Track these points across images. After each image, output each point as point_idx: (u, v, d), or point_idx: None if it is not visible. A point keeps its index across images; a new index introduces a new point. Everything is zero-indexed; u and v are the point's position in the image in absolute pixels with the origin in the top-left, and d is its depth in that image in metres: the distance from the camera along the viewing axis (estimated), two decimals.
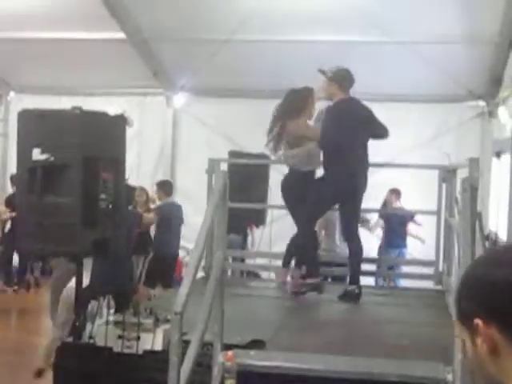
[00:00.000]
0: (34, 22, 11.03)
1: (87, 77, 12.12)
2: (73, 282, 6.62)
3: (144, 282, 9.93)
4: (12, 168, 12.59)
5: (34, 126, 4.52)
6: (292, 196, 7.11)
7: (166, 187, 10.76)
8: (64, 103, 12.02)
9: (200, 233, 4.57)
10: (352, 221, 7.06)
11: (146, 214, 9.98)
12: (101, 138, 4.55)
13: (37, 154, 4.50)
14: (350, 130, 6.70)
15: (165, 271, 10.08)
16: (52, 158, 4.46)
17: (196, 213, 11.07)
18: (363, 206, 7.17)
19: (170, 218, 10.33)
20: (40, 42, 11.43)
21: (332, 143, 6.73)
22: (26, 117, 4.59)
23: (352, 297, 6.72)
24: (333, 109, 6.92)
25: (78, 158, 4.46)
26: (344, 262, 8.93)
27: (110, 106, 11.63)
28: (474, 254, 4.35)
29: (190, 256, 4.37)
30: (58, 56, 11.65)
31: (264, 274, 9.42)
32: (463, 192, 4.46)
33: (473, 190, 4.60)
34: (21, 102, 12.78)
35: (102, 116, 4.70)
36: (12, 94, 13.33)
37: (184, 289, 4.18)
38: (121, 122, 4.75)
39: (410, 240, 10.74)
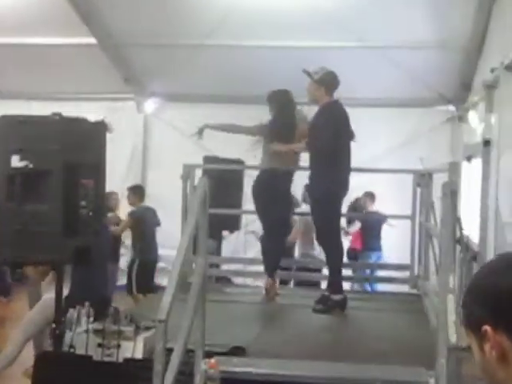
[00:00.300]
0: (4, 27, 10.91)
1: (58, 82, 12.01)
2: (50, 293, 6.57)
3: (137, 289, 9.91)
4: None
5: (13, 132, 4.46)
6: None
7: (138, 192, 10.70)
8: (34, 108, 11.97)
9: (182, 239, 4.54)
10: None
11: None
12: (81, 145, 4.50)
13: (16, 161, 4.44)
14: (342, 134, 6.66)
15: (147, 277, 10.08)
16: (32, 165, 4.41)
17: (168, 218, 11.05)
18: None
19: (146, 223, 10.29)
20: (10, 47, 11.31)
21: (327, 147, 6.58)
22: (4, 123, 4.52)
23: (340, 306, 6.63)
24: (324, 112, 6.75)
25: (59, 165, 4.41)
26: (320, 267, 8.99)
27: (81, 111, 11.59)
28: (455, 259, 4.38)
29: (173, 263, 4.33)
30: (29, 61, 11.54)
31: (237, 280, 9.40)
32: (444, 197, 4.48)
33: (453, 194, 4.63)
34: None
35: (82, 122, 4.65)
36: None
37: (167, 296, 4.14)
38: (101, 128, 4.71)
39: (384, 243, 10.81)
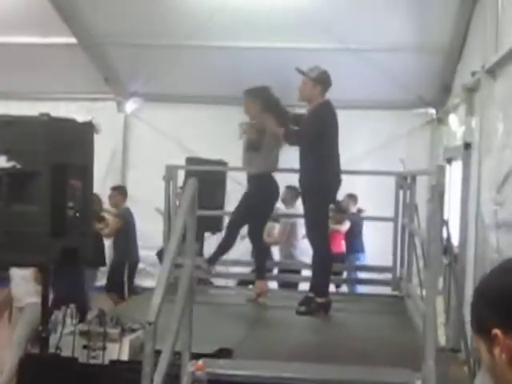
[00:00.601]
0: None
1: (37, 82, 11.92)
2: (32, 298, 6.52)
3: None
4: None
5: (0, 132, 4.41)
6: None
7: (123, 192, 10.68)
8: (12, 108, 11.87)
9: (171, 241, 4.53)
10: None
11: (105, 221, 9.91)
12: (69, 145, 4.46)
13: (2, 162, 4.40)
14: (334, 132, 6.66)
15: (130, 278, 10.08)
16: (19, 166, 4.37)
17: (148, 219, 11.02)
18: None
19: (131, 224, 10.29)
20: None
21: (327, 147, 6.59)
22: None
23: (324, 309, 6.60)
24: (319, 110, 6.68)
25: (46, 166, 4.37)
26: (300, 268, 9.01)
27: (60, 111, 11.53)
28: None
29: (162, 264, 4.32)
30: (8, 60, 11.42)
31: (219, 282, 9.37)
32: (432, 199, 4.51)
33: (440, 197, 4.66)
34: None
35: (70, 123, 4.62)
36: None
37: (157, 298, 4.13)
38: (89, 129, 4.67)
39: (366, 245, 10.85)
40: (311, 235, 6.82)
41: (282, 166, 7.26)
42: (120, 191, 10.63)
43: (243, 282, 9.02)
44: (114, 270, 10.15)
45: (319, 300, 6.57)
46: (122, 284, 9.94)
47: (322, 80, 6.70)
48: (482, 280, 1.77)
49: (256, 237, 7.26)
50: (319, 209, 6.64)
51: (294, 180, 7.59)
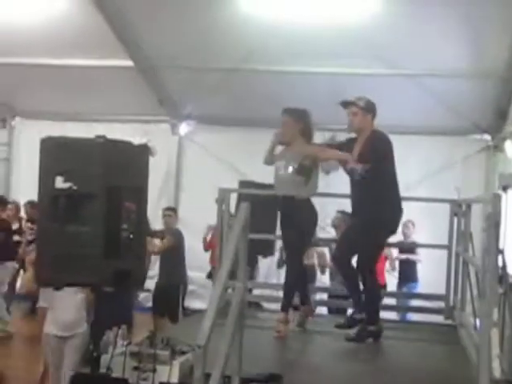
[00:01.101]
0: (41, 48, 11.07)
1: (93, 103, 12.14)
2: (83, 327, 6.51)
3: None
4: (15, 193, 12.62)
5: (57, 153, 4.47)
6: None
7: (176, 213, 10.76)
8: (69, 130, 12.11)
9: (224, 264, 4.53)
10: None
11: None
12: (124, 168, 4.51)
13: (60, 182, 4.46)
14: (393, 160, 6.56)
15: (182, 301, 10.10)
16: (75, 187, 4.43)
17: (198, 241, 11.08)
18: None
19: (182, 245, 10.36)
20: (47, 67, 11.48)
21: (391, 174, 6.52)
22: (49, 144, 4.54)
23: (374, 336, 6.53)
24: (380, 137, 6.52)
25: (102, 188, 4.42)
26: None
27: (115, 133, 11.68)
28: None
29: (213, 287, 4.32)
30: (65, 82, 11.69)
31: (270, 306, 9.33)
32: (488, 228, 4.44)
33: (496, 225, 4.58)
34: (25, 127, 12.82)
35: (125, 145, 4.66)
36: (17, 119, 13.31)
37: (207, 321, 4.12)
38: (144, 151, 4.72)
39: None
40: (364, 265, 6.66)
41: None
42: (174, 212, 10.70)
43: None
44: (163, 291, 10.13)
45: (371, 328, 6.49)
46: (175, 306, 9.90)
47: (372, 108, 6.60)
48: None
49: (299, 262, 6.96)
50: (379, 240, 6.67)
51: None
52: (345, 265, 6.61)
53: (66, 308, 6.53)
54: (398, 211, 6.64)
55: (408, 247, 10.57)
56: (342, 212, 9.92)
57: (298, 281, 6.87)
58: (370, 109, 6.55)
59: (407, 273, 10.49)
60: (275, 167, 6.91)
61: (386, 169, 6.44)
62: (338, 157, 6.62)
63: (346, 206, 7.28)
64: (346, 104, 6.57)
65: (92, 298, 5.91)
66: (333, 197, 8.20)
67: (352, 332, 6.49)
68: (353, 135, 6.74)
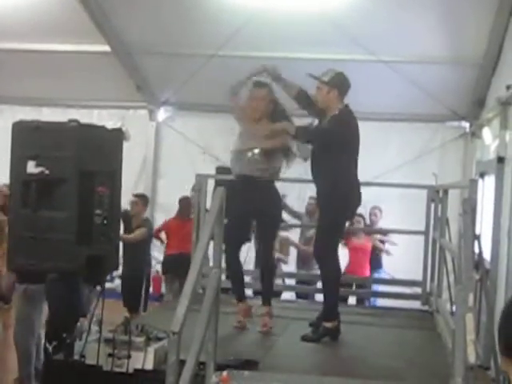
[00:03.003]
0: (18, 33, 10.95)
1: (70, 89, 12.02)
2: None
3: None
4: None
5: (29, 138, 4.42)
6: None
7: (146, 200, 10.52)
8: (45, 115, 11.99)
9: (198, 250, 4.50)
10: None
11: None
12: (97, 152, 4.46)
13: (32, 167, 4.40)
14: (358, 146, 6.07)
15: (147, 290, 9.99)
16: (47, 172, 4.36)
17: None
18: None
19: (151, 235, 10.23)
20: (23, 52, 11.36)
21: (348, 157, 5.98)
22: (21, 128, 4.49)
23: (331, 335, 6.00)
24: (344, 118, 5.98)
25: (74, 172, 4.37)
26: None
27: (92, 119, 11.61)
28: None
29: (189, 273, 4.28)
30: (41, 67, 11.57)
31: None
32: (464, 214, 4.43)
33: (473, 211, 4.58)
34: (0, 112, 12.67)
35: (99, 129, 4.61)
36: None
37: (182, 308, 4.10)
38: (118, 135, 4.66)
39: (386, 260, 10.67)
40: (320, 252, 6.16)
41: None
42: (143, 199, 10.30)
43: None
44: (127, 282, 9.92)
45: (326, 324, 6.02)
46: (138, 297, 9.75)
47: (338, 83, 6.00)
48: (509, 300, 1.71)
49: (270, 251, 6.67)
50: (334, 224, 6.09)
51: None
52: (322, 258, 6.19)
53: None
54: (353, 197, 6.09)
55: (382, 233, 10.53)
56: (314, 198, 9.88)
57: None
58: (335, 84, 5.98)
59: (372, 260, 10.43)
60: (236, 148, 6.38)
61: (343, 151, 5.91)
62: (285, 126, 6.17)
63: None
64: (313, 78, 6.09)
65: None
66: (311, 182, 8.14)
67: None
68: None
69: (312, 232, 9.80)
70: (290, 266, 10.35)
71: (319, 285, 8.04)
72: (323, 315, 6.11)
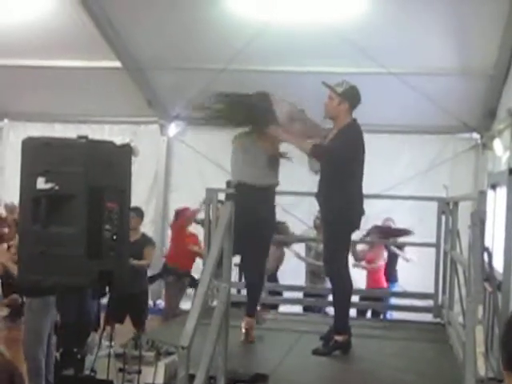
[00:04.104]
0: (30, 49, 11.05)
1: (81, 104, 12.09)
2: None
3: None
4: (5, 195, 12.53)
5: (39, 154, 4.45)
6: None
7: (141, 213, 9.89)
8: (57, 130, 12.09)
9: (207, 264, 4.50)
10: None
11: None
12: (106, 168, 4.48)
13: (41, 183, 4.43)
14: (361, 159, 6.05)
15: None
16: (57, 187, 4.39)
17: None
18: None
19: None
20: (35, 69, 11.45)
21: (355, 172, 5.99)
22: (31, 145, 4.52)
23: (342, 348, 5.97)
24: (351, 132, 6.01)
25: (83, 188, 4.39)
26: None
27: (104, 134, 11.68)
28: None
29: (198, 288, 4.29)
30: (53, 84, 11.65)
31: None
32: (473, 226, 4.42)
33: (482, 223, 4.56)
34: (13, 128, 12.77)
35: (108, 145, 4.64)
36: (5, 120, 13.23)
37: (191, 322, 4.10)
38: (127, 151, 4.69)
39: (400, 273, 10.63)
40: (329, 266, 6.12)
41: None
42: (138, 213, 9.62)
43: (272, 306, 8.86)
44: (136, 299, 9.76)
45: (337, 338, 5.99)
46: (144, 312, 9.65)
47: (350, 96, 6.02)
48: (510, 315, 1.71)
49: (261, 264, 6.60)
50: (342, 234, 6.08)
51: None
52: (333, 273, 6.15)
53: None
54: (360, 210, 6.09)
55: (395, 246, 10.48)
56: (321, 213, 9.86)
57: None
58: (347, 97, 5.99)
59: (389, 273, 10.37)
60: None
61: (351, 165, 5.96)
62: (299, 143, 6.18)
63: None
64: (327, 87, 6.11)
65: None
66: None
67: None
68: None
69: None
70: (300, 279, 10.29)
71: (329, 298, 8.09)
72: (334, 328, 6.09)
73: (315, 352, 5.94)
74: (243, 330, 6.28)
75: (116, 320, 8.57)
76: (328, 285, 9.15)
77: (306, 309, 9.53)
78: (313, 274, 10.04)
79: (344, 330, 6.03)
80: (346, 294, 6.17)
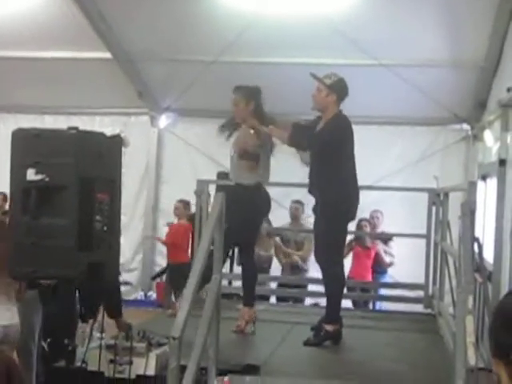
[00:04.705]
0: (19, 41, 10.96)
1: (72, 96, 12.04)
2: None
3: None
4: None
5: (29, 145, 4.42)
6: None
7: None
8: (47, 122, 12.04)
9: (198, 255, 4.51)
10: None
11: None
12: (97, 159, 4.45)
13: (32, 174, 4.41)
14: (354, 150, 6.14)
15: None
16: (47, 179, 4.37)
17: None
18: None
19: None
20: (24, 60, 11.37)
21: (347, 160, 6.04)
22: (20, 136, 4.49)
23: (333, 338, 6.02)
24: (341, 122, 6.06)
25: (74, 179, 4.36)
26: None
27: (94, 126, 11.63)
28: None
29: (189, 279, 4.29)
30: (43, 75, 11.58)
31: None
32: (463, 216, 4.43)
33: (472, 214, 4.58)
34: (3, 120, 12.71)
35: (98, 136, 4.61)
36: None
37: (182, 313, 4.10)
38: (117, 142, 4.66)
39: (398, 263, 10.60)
40: (326, 255, 6.11)
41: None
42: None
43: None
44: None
45: (327, 328, 6.02)
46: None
47: (338, 88, 6.07)
48: (499, 303, 1.71)
49: (249, 257, 6.56)
50: (339, 226, 6.16)
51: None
52: (327, 263, 6.13)
53: None
54: (355, 198, 6.15)
55: (385, 237, 10.48)
56: (297, 201, 9.90)
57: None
58: (335, 89, 6.05)
59: (378, 265, 10.35)
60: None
61: (342, 154, 5.98)
62: (278, 134, 6.20)
63: None
64: (315, 78, 6.15)
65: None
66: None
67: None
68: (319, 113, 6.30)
69: (302, 236, 9.79)
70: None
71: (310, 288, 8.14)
72: (325, 318, 6.12)
73: (306, 343, 5.96)
74: (242, 323, 6.28)
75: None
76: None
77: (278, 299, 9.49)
78: (291, 265, 9.96)
79: (335, 320, 6.06)
80: (340, 284, 6.24)
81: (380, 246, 10.30)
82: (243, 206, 6.17)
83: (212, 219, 4.62)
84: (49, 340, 5.34)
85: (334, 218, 6.04)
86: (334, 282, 6.15)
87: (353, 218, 6.41)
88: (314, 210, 6.33)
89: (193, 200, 8.96)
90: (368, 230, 10.10)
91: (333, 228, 6.05)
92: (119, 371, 4.92)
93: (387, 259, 10.24)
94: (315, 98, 6.13)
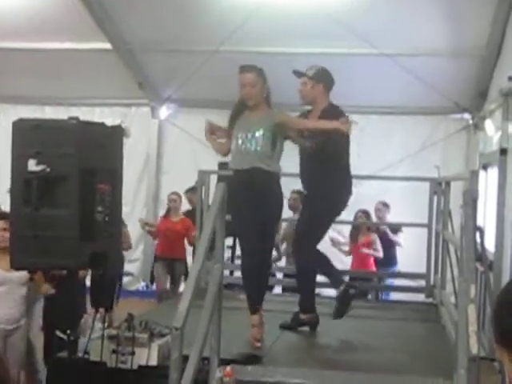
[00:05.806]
0: (19, 32, 10.94)
1: (72, 87, 12.02)
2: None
3: None
4: None
5: (29, 136, 4.42)
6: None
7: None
8: (47, 113, 12.03)
9: (200, 245, 4.51)
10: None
11: None
12: (98, 149, 4.45)
13: (32, 165, 4.40)
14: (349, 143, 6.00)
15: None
16: (48, 169, 4.37)
17: None
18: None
19: None
20: (25, 51, 11.36)
21: (342, 154, 5.92)
22: (21, 126, 4.49)
23: (309, 325, 6.04)
24: (335, 113, 5.77)
25: (75, 170, 4.37)
26: None
27: (95, 116, 11.62)
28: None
29: (191, 269, 4.29)
30: (43, 66, 11.57)
31: None
32: (465, 205, 4.43)
33: (474, 202, 4.58)
34: (3, 111, 12.70)
35: (99, 127, 4.61)
36: None
37: (184, 303, 4.11)
38: (118, 132, 4.66)
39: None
40: (303, 243, 5.97)
41: None
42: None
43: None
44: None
45: (303, 317, 6.05)
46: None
47: (323, 78, 5.96)
48: (503, 289, 1.71)
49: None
50: (322, 221, 6.00)
51: None
52: (305, 250, 6.00)
53: (9, 302, 6.11)
54: (346, 193, 6.02)
55: (390, 228, 10.41)
56: (298, 192, 9.80)
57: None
58: (320, 78, 5.94)
59: (386, 256, 10.24)
60: (235, 140, 5.89)
61: (336, 147, 5.79)
62: (297, 124, 5.86)
63: None
64: (298, 74, 6.04)
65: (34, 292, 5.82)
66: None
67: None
68: (309, 107, 6.19)
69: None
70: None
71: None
72: (299, 308, 6.10)
73: (282, 326, 6.00)
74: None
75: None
76: None
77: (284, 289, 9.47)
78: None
79: (309, 309, 6.05)
80: (311, 273, 6.11)
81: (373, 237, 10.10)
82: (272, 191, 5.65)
83: (214, 209, 4.61)
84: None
85: (317, 214, 5.91)
86: (306, 270, 6.04)
87: (338, 214, 6.23)
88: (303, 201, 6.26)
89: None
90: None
91: (317, 219, 5.93)
92: (121, 361, 4.92)
93: (376, 254, 10.03)
94: (302, 92, 6.04)
